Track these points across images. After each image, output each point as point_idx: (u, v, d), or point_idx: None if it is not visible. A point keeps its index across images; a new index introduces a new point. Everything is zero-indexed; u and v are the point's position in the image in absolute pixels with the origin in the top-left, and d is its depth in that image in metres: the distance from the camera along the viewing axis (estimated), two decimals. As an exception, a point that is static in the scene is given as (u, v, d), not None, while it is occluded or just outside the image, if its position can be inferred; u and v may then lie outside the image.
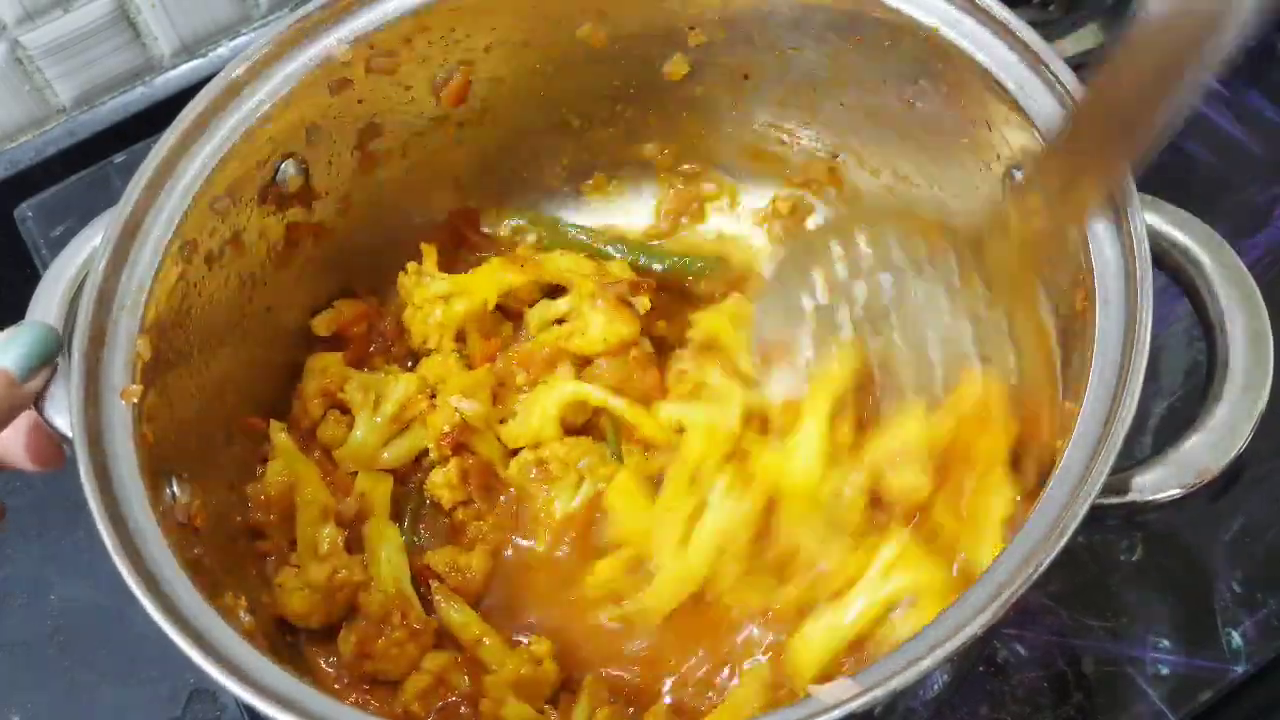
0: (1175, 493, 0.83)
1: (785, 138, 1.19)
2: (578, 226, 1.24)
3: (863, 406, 1.00)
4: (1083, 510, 0.77)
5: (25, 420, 0.91)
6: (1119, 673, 1.04)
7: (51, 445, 0.92)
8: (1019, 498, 0.91)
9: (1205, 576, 1.08)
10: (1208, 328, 0.89)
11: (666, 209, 1.26)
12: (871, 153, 1.15)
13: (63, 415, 0.90)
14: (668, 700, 1.00)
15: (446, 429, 1.09)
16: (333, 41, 1.02)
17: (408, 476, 1.13)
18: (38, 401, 0.90)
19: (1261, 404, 0.85)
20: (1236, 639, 1.05)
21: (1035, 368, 0.95)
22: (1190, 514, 1.11)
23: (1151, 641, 1.05)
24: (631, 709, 1.01)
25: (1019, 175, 0.97)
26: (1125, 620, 1.06)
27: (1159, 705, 1.02)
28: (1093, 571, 1.09)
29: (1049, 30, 1.36)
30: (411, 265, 1.16)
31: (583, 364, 1.13)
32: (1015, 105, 0.93)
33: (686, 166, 1.24)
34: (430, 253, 1.16)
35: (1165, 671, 1.04)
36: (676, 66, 1.13)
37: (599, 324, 1.10)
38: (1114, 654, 1.05)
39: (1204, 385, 0.87)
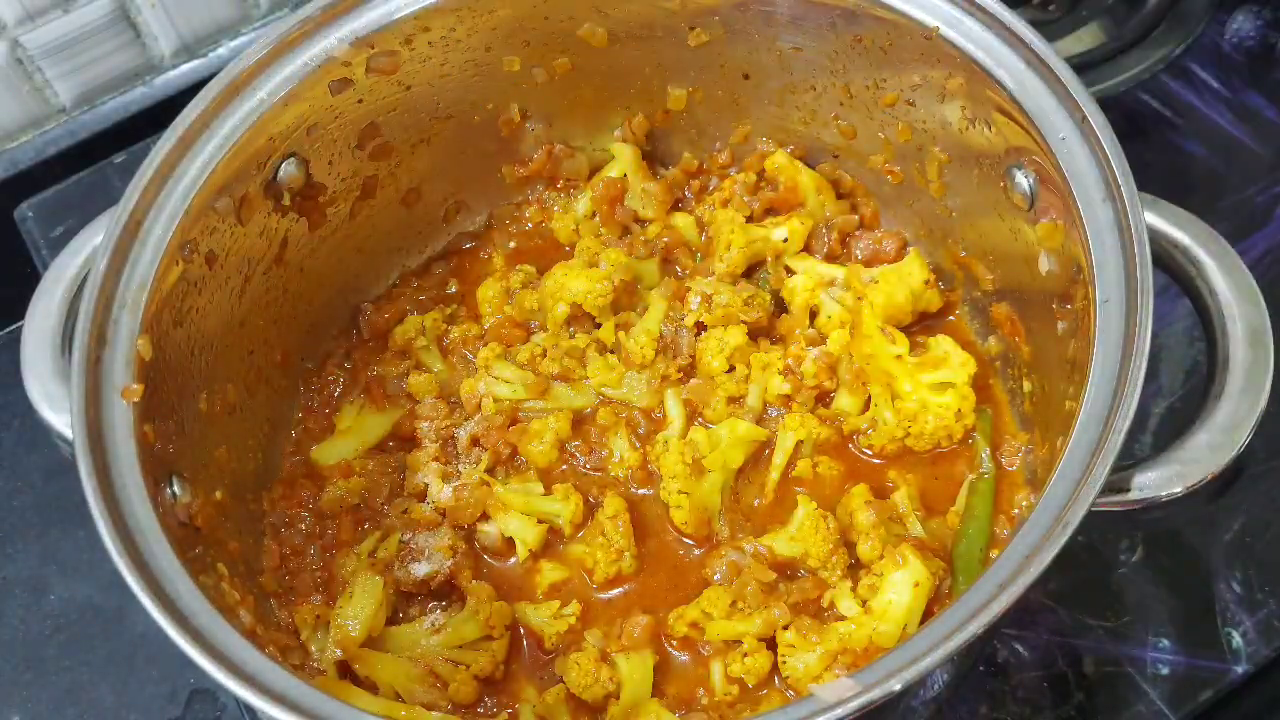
0: (1176, 491, 0.83)
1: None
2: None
3: None
4: (1083, 509, 0.77)
5: None
6: (1119, 673, 1.04)
7: None
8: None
9: (1205, 576, 1.08)
10: (1208, 327, 0.89)
11: None
12: (872, 150, 1.15)
13: (63, 415, 0.90)
14: None
15: None
16: (333, 41, 1.02)
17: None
18: None
19: (1262, 403, 0.85)
20: (1236, 639, 1.05)
21: None
22: (1190, 514, 1.11)
23: (1151, 641, 1.05)
24: None
25: (1018, 174, 0.97)
26: (1125, 620, 1.06)
27: (1159, 705, 1.02)
28: (1093, 571, 1.09)
29: (1049, 30, 1.37)
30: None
31: None
32: (1015, 105, 0.93)
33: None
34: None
35: (1165, 671, 1.04)
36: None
37: None
38: (1114, 654, 1.05)
39: (1204, 384, 0.87)
